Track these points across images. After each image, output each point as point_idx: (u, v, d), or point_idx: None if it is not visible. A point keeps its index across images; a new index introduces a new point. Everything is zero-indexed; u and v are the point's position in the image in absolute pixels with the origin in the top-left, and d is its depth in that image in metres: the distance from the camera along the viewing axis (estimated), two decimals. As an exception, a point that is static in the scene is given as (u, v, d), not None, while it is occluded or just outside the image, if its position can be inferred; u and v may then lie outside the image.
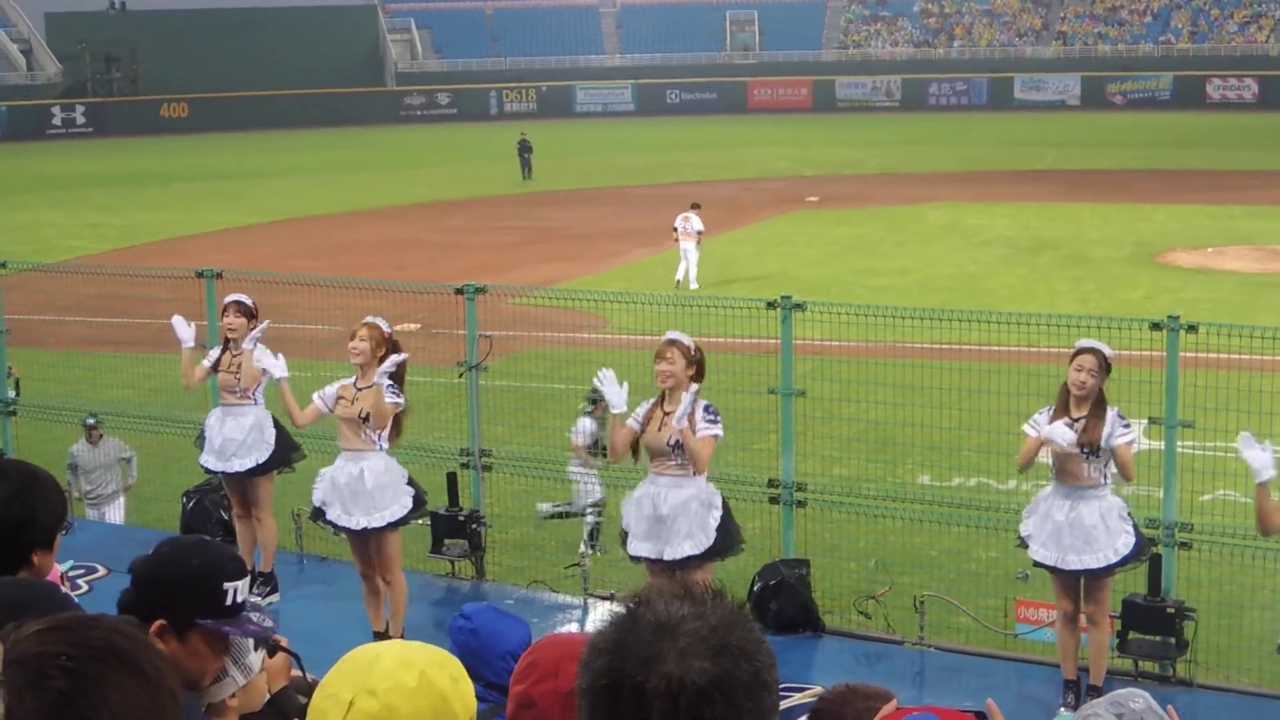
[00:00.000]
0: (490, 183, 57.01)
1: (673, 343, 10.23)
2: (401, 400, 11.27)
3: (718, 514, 10.34)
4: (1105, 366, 10.05)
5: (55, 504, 4.60)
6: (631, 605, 2.52)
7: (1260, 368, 11.30)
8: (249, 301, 12.82)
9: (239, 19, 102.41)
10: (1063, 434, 9.87)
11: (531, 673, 3.76)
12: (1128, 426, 10.01)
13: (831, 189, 51.39)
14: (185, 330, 12.75)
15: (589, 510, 15.31)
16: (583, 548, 14.76)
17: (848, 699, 3.90)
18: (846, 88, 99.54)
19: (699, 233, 32.34)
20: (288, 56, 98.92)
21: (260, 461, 12.76)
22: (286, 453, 12.97)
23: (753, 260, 35.29)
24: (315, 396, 11.52)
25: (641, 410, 10.32)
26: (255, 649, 4.54)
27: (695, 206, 33.44)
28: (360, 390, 11.28)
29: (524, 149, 58.98)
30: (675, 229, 32.76)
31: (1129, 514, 10.23)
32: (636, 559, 10.49)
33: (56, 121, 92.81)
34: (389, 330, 11.54)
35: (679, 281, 31.82)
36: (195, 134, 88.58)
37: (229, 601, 4.15)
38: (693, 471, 10.24)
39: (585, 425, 15.56)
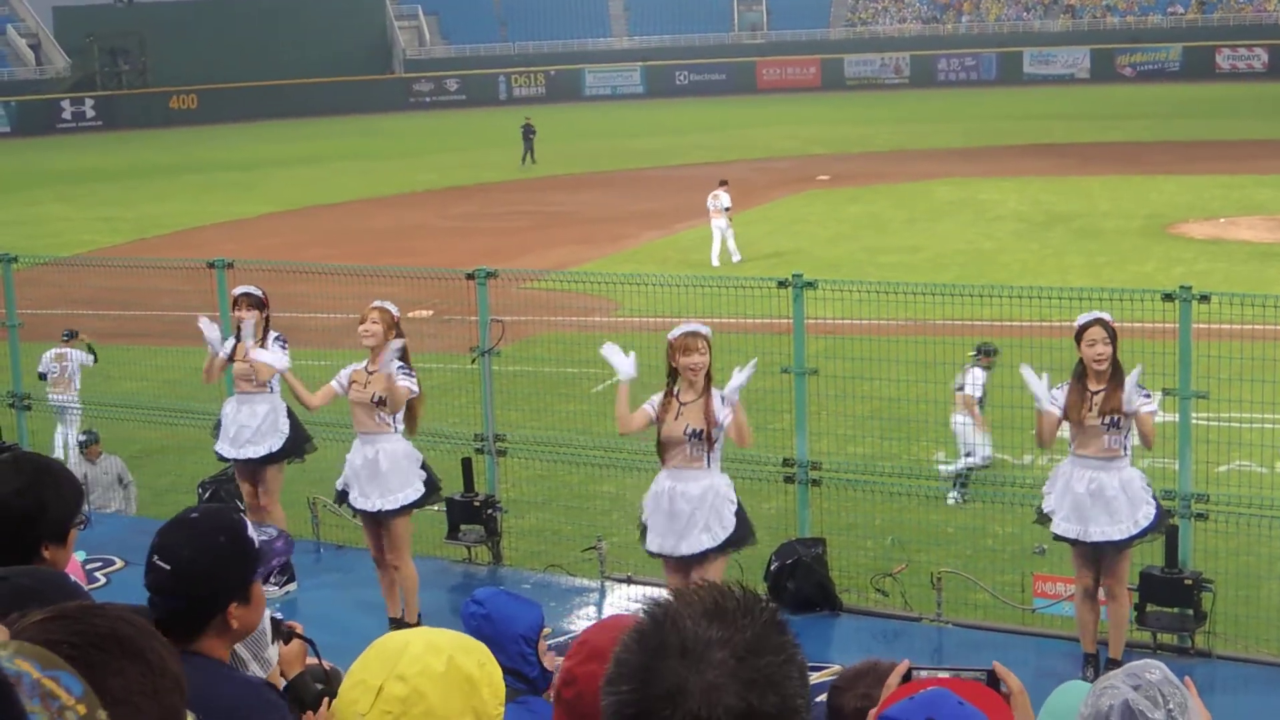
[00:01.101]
0: (500, 168, 57.00)
1: (697, 334, 10.10)
2: (416, 385, 11.30)
3: (733, 505, 10.33)
4: (1113, 333, 10.05)
5: (68, 497, 4.58)
6: (660, 619, 2.43)
7: (1274, 337, 11.29)
8: (259, 292, 12.84)
9: (246, 9, 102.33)
10: (1133, 393, 9.88)
11: (580, 651, 3.77)
12: (1148, 396, 10.01)
13: (842, 167, 51.31)
14: (213, 332, 12.87)
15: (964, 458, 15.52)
16: (952, 496, 14.88)
17: (862, 675, 3.91)
18: (855, 66, 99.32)
19: (727, 209, 32.76)
20: (296, 46, 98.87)
21: (273, 450, 12.84)
22: (299, 443, 13.05)
23: (764, 240, 35.25)
24: (333, 381, 11.59)
25: (655, 401, 10.25)
26: (273, 641, 4.56)
27: (723, 183, 33.88)
28: (372, 374, 11.31)
29: (528, 133, 58.98)
30: (709, 208, 33.31)
31: (1148, 484, 10.22)
32: (656, 555, 10.48)
33: (66, 115, 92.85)
34: (398, 314, 11.57)
35: (716, 264, 32.15)
36: (205, 125, 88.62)
37: (258, 548, 4.14)
38: (739, 444, 10.30)
39: (976, 375, 15.34)
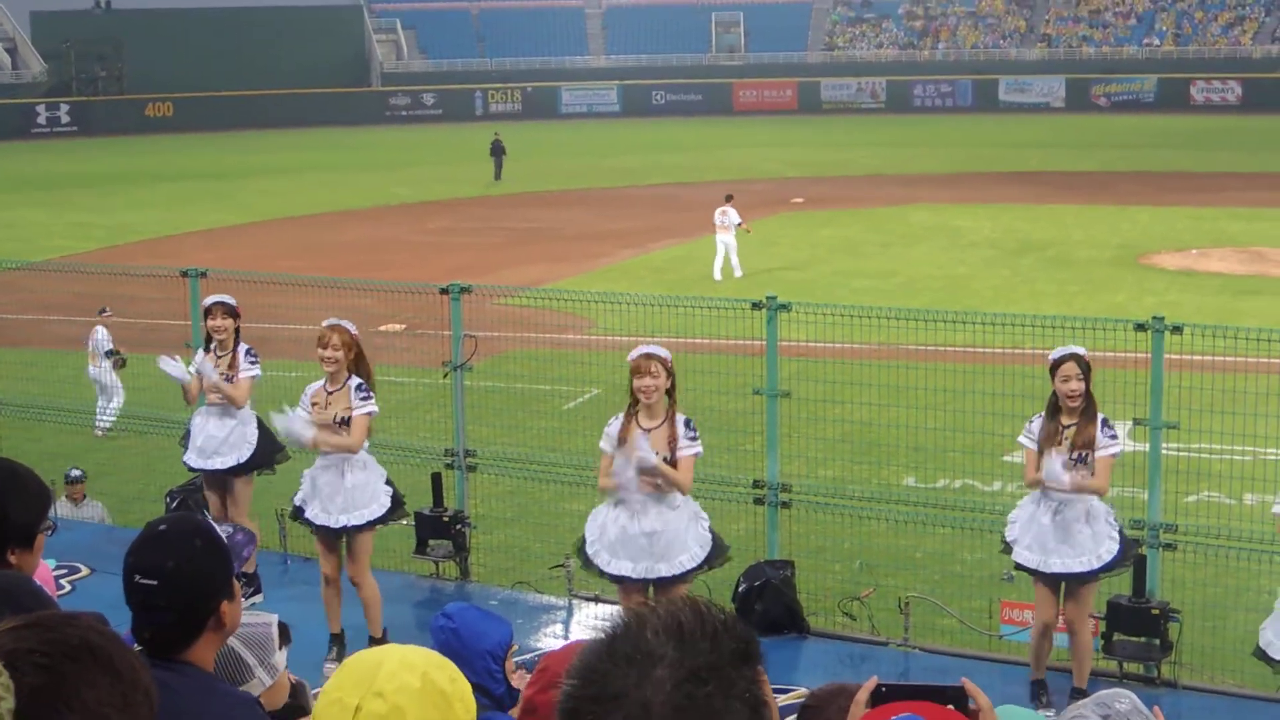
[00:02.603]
0: (475, 184, 57.01)
1: (651, 356, 9.92)
2: (373, 406, 11.25)
3: (705, 522, 10.30)
4: (1087, 368, 10.05)
5: (33, 502, 4.55)
6: (629, 624, 2.42)
7: (1244, 369, 11.33)
8: (233, 302, 12.80)
9: (225, 18, 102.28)
10: (1058, 475, 9.87)
11: (540, 679, 3.77)
12: (1114, 437, 10.02)
13: (817, 190, 51.42)
14: (176, 369, 12.81)
15: None
16: None
17: (834, 697, 3.90)
18: (831, 89, 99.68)
19: (737, 225, 33.70)
20: (273, 56, 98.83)
21: (241, 460, 12.74)
22: (269, 454, 12.94)
23: (739, 261, 35.29)
24: (291, 412, 11.30)
25: (613, 429, 10.07)
26: (280, 647, 4.56)
27: (729, 199, 34.79)
28: (332, 393, 11.23)
29: (497, 150, 58.99)
30: (716, 223, 34.09)
31: (1114, 518, 10.22)
32: (618, 578, 10.20)
33: (41, 120, 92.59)
34: (356, 331, 11.49)
35: (718, 279, 33.02)
36: (180, 133, 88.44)
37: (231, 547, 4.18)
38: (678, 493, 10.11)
39: None
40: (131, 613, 4.00)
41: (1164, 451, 11.25)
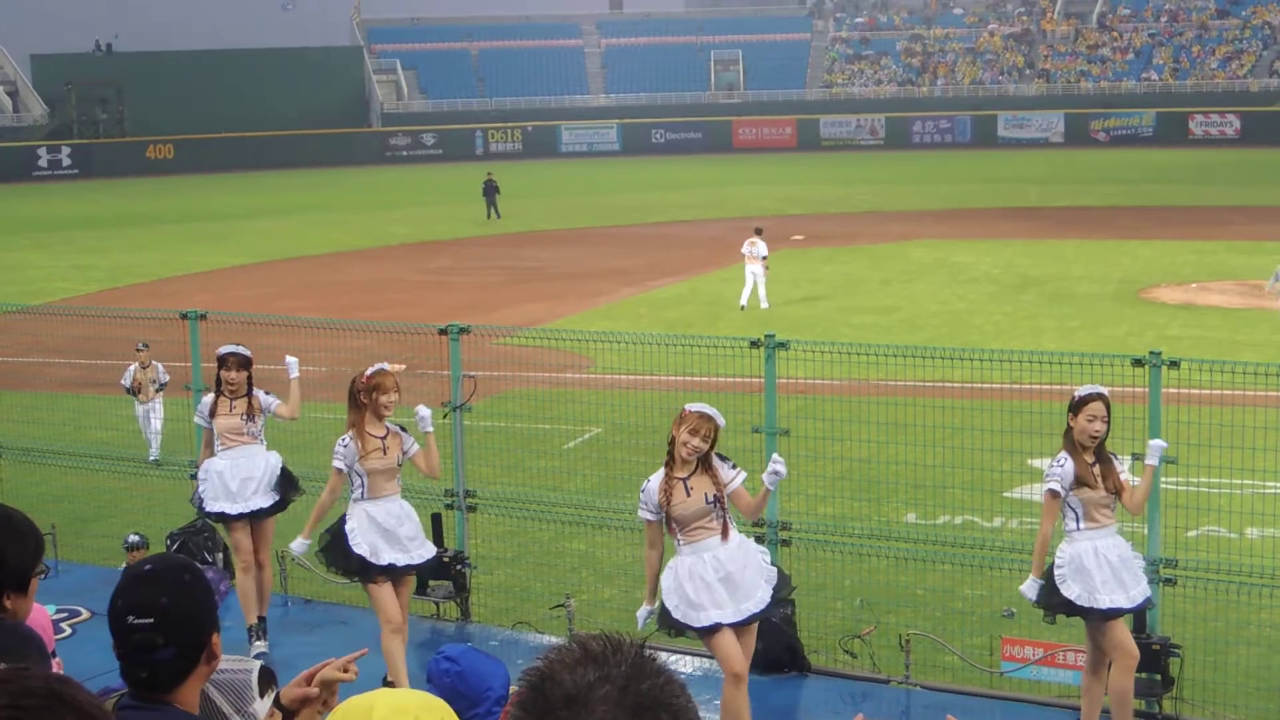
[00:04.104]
0: (475, 223, 57.10)
1: (708, 419, 9.68)
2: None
3: (765, 548, 10.30)
4: (1108, 406, 9.95)
5: (29, 547, 4.57)
6: (537, 682, 2.49)
7: (1244, 403, 11.33)
8: (247, 353, 12.77)
9: (225, 60, 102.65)
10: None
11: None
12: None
13: (817, 227, 51.50)
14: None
15: None
16: None
17: None
18: (830, 126, 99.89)
19: (764, 257, 34.73)
20: (274, 98, 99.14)
21: (276, 500, 12.73)
22: (290, 491, 12.96)
23: (738, 299, 35.35)
24: (337, 463, 11.32)
25: (651, 491, 9.78)
26: (261, 695, 4.50)
27: (759, 231, 35.88)
28: (385, 439, 11.31)
29: (490, 189, 59.11)
30: (744, 254, 35.17)
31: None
32: (716, 626, 9.71)
33: (42, 163, 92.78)
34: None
35: (744, 306, 34.36)
36: (181, 175, 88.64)
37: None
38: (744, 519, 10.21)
39: None
40: (122, 656, 3.99)
41: (1166, 486, 11.25)
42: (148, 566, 4.12)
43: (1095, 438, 9.84)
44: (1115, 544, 9.89)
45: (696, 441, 9.62)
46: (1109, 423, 9.85)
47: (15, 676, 2.54)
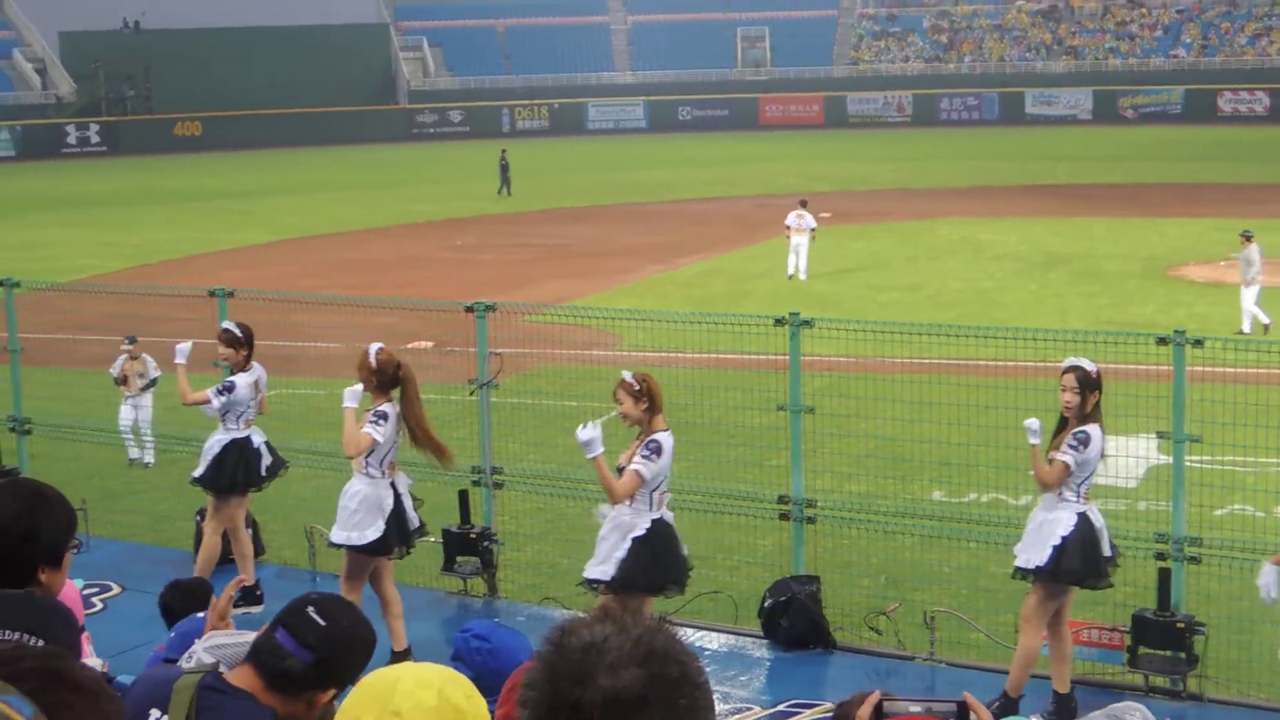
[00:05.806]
0: (502, 200, 57.14)
1: (618, 384, 10.38)
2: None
3: (628, 546, 10.41)
4: (1085, 381, 10.13)
5: (61, 522, 4.64)
6: (555, 636, 2.63)
7: (1271, 381, 11.31)
8: (234, 329, 12.93)
9: (252, 38, 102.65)
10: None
11: (512, 696, 3.80)
12: (1074, 447, 10.11)
13: (844, 205, 51.37)
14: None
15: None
16: None
17: (858, 705, 3.93)
18: (858, 103, 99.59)
19: (812, 229, 35.33)
20: (301, 75, 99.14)
21: (268, 466, 13.18)
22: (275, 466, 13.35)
23: (766, 276, 35.32)
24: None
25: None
26: None
27: (804, 204, 36.27)
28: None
29: (503, 166, 59.20)
30: (788, 225, 35.48)
31: (1067, 533, 10.24)
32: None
33: (71, 140, 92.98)
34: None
35: (792, 275, 34.94)
36: (209, 152, 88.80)
37: None
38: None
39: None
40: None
41: (1194, 465, 11.25)
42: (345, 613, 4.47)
43: (1065, 408, 10.20)
44: (1040, 511, 10.47)
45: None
46: (1084, 394, 10.11)
47: (10, 659, 2.56)
